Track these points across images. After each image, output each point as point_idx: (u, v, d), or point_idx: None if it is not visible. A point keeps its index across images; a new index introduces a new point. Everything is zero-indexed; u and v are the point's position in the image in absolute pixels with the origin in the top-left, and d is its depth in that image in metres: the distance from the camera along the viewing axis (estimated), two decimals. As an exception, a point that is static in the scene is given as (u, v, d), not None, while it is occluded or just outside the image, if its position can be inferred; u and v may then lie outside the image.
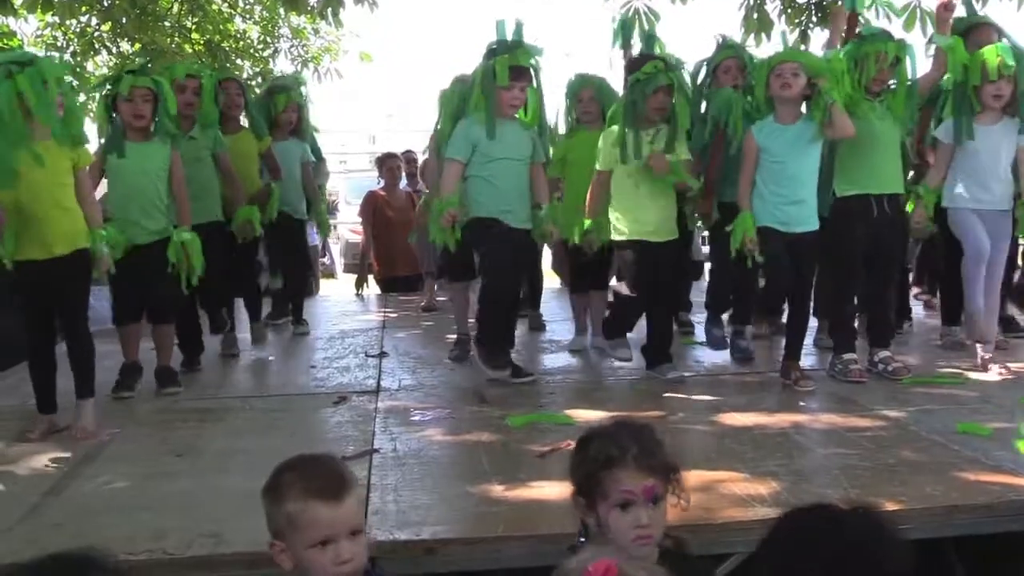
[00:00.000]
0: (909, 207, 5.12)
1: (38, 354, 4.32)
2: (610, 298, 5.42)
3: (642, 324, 5.19)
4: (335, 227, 15.80)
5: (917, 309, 6.98)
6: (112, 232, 4.47)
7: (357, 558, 2.10)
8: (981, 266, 5.04)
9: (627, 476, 2.17)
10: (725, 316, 5.75)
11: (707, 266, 11.66)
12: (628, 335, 5.24)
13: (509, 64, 4.84)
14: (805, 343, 5.22)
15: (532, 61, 4.97)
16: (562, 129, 5.87)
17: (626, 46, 5.91)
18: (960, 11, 5.51)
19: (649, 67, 4.85)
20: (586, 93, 5.66)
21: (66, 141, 4.19)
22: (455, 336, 5.87)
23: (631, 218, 4.90)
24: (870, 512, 1.83)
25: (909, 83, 5.03)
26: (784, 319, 5.28)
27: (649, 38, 5.90)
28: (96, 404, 4.38)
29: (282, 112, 6.30)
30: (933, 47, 5.19)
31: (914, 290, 6.94)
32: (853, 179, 4.96)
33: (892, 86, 5.05)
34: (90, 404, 4.29)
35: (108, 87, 4.95)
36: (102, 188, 5.18)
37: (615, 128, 4.96)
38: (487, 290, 5.05)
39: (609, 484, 2.18)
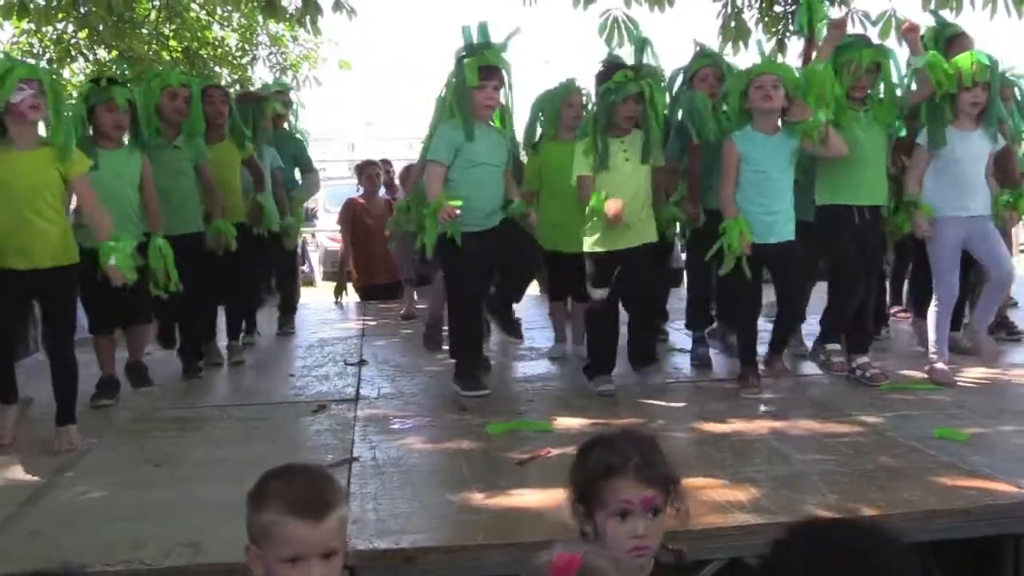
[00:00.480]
0: (900, 223, 5.13)
1: None
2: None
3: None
4: (314, 235, 15.76)
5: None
6: (124, 245, 4.34)
7: None
8: (949, 313, 5.12)
9: (626, 486, 2.17)
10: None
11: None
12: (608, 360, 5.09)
13: (477, 65, 4.82)
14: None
15: (501, 60, 4.90)
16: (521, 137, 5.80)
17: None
18: (932, 20, 5.55)
19: (620, 76, 4.84)
20: (576, 99, 5.63)
21: (54, 149, 4.12)
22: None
23: (603, 226, 4.83)
24: (868, 525, 1.79)
25: (896, 88, 5.05)
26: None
27: (642, 42, 5.81)
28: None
29: (266, 119, 6.26)
30: (914, 69, 5.19)
31: (893, 309, 6.98)
32: (835, 190, 4.97)
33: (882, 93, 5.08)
34: (72, 430, 4.20)
35: (89, 94, 4.90)
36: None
37: (587, 138, 4.92)
38: (451, 300, 5.04)
39: (608, 493, 2.18)
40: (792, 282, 4.96)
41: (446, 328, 5.36)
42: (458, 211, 4.59)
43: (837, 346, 5.06)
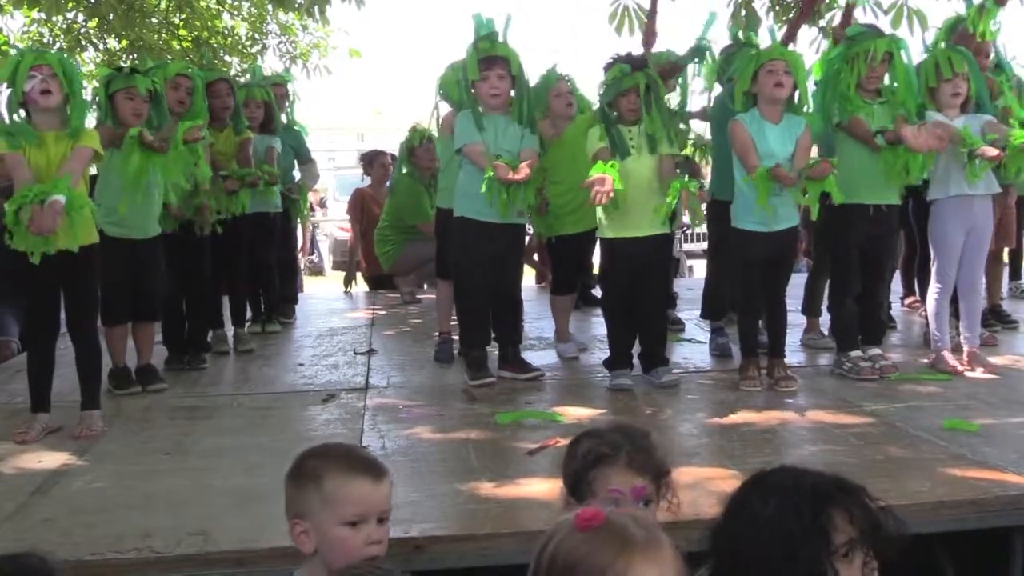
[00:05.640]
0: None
1: (40, 351, 4.23)
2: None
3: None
4: (318, 225, 15.78)
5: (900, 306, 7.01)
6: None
7: (384, 542, 2.15)
8: (948, 298, 5.09)
9: (616, 475, 2.18)
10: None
11: (688, 264, 11.75)
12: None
13: (478, 57, 4.81)
14: (792, 341, 5.22)
15: (503, 49, 4.86)
16: None
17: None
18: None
19: (615, 71, 4.82)
20: (562, 86, 5.54)
21: (72, 129, 4.16)
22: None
23: (618, 213, 4.79)
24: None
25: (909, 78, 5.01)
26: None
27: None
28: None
29: (243, 107, 6.17)
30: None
31: (908, 299, 6.97)
32: (850, 188, 4.84)
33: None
34: (96, 415, 4.24)
35: (110, 82, 4.91)
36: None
37: (599, 127, 4.87)
38: (457, 287, 5.10)
39: (599, 483, 2.19)
40: (784, 272, 4.96)
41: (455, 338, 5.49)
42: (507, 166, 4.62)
43: (859, 352, 5.01)
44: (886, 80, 5.03)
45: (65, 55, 4.37)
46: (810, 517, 1.70)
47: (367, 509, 2.12)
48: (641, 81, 4.79)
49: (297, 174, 7.19)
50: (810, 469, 1.85)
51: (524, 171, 4.66)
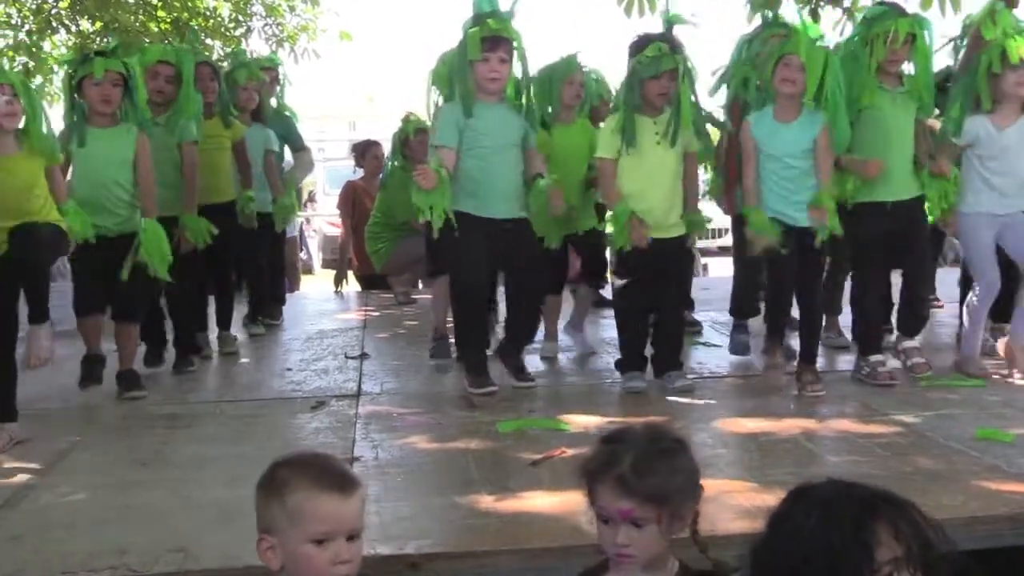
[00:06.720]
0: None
1: (0, 358, 4.23)
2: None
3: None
4: (308, 220, 15.77)
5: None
6: (74, 214, 4.45)
7: (355, 561, 2.12)
8: (991, 300, 5.08)
9: (604, 492, 2.17)
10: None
11: (702, 261, 11.74)
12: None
13: (480, 36, 4.75)
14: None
15: (509, 30, 4.81)
16: None
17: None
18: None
19: (652, 50, 4.77)
20: (577, 77, 5.50)
21: (37, 148, 4.24)
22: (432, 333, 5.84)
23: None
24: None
25: (930, 63, 4.98)
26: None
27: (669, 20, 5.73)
28: (54, 411, 4.36)
29: (242, 88, 6.21)
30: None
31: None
32: (864, 186, 4.88)
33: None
34: (45, 328, 4.29)
35: (75, 69, 4.92)
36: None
37: (617, 115, 4.87)
38: (454, 287, 5.03)
39: (595, 496, 2.20)
40: (812, 270, 4.93)
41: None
42: (438, 176, 4.56)
43: (880, 356, 5.01)
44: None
45: (19, 73, 4.45)
46: (852, 529, 1.70)
47: (334, 526, 2.09)
48: (681, 64, 4.79)
49: (289, 161, 7.21)
50: (858, 482, 1.85)
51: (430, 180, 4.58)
